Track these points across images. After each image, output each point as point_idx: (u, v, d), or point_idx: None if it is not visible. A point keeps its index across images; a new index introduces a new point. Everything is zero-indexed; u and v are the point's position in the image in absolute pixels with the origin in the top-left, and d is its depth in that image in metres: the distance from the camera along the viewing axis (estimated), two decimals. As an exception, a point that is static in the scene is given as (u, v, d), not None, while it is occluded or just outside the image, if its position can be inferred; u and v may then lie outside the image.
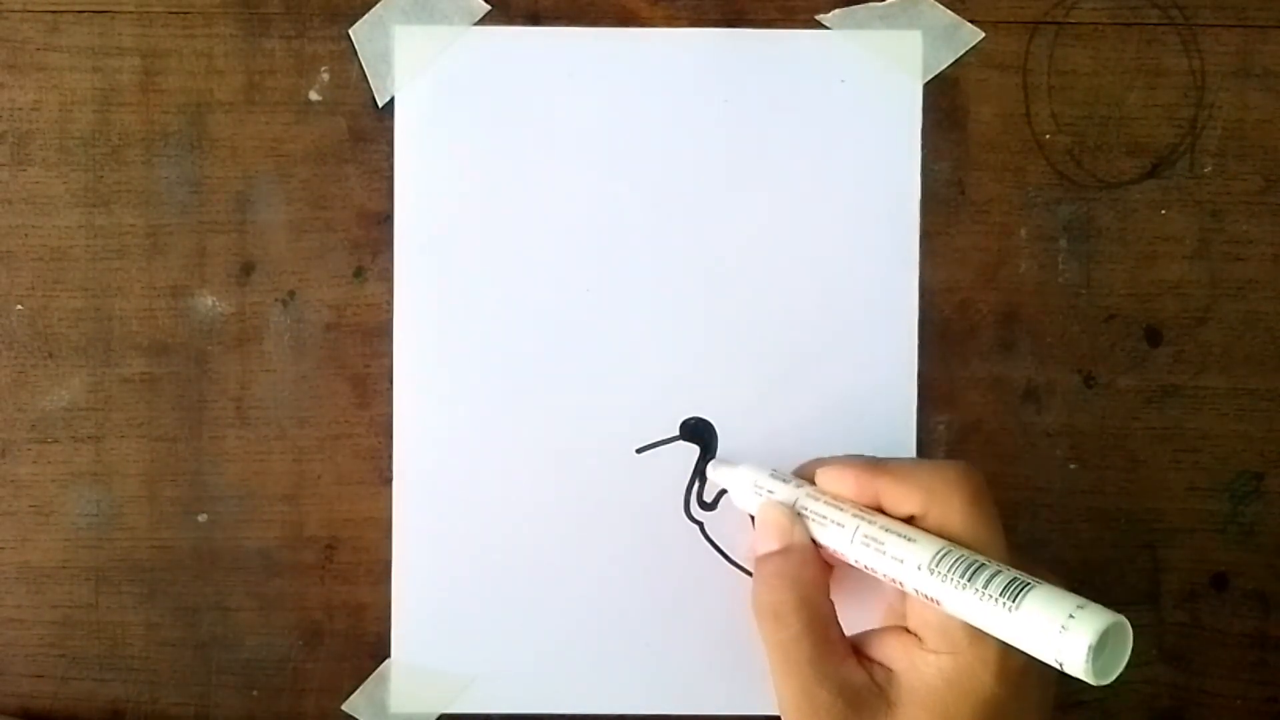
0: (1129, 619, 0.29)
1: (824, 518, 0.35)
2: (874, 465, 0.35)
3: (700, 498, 0.41)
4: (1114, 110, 0.42)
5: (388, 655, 0.41)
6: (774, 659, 0.34)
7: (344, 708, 0.41)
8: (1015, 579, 0.30)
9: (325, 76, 0.41)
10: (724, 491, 0.41)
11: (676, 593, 0.41)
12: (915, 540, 0.33)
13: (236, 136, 0.41)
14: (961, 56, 0.41)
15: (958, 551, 0.32)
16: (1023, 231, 0.42)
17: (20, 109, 0.41)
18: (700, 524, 0.41)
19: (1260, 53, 0.42)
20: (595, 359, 0.41)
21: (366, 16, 0.41)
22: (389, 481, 0.41)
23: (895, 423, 0.41)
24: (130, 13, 0.41)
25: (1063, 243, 0.42)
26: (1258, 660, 0.42)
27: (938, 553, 0.32)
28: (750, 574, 0.40)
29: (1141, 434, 0.42)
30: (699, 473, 0.41)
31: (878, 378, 0.41)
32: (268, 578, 0.41)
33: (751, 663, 0.40)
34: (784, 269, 0.41)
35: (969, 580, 0.31)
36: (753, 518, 0.37)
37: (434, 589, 0.41)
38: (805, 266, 0.41)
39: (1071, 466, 0.42)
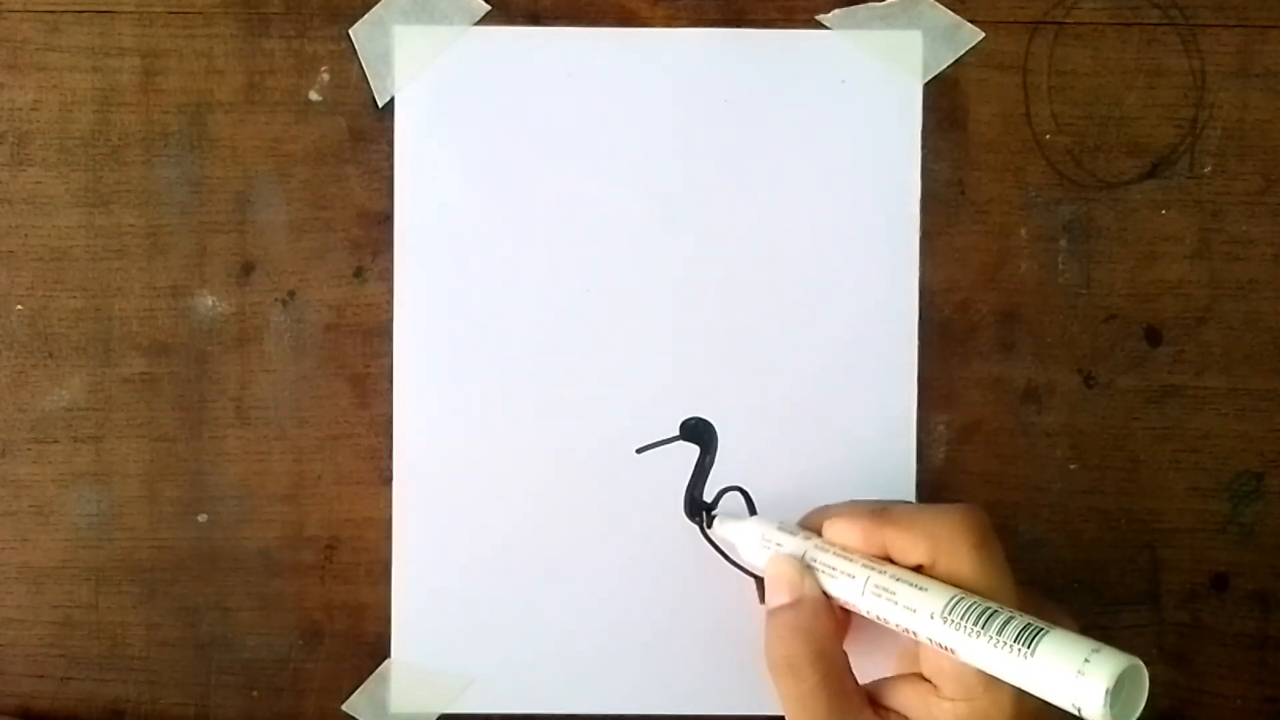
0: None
1: (834, 569, 0.35)
2: (880, 514, 0.35)
3: (700, 498, 0.41)
4: (1114, 110, 0.42)
5: (388, 655, 0.41)
6: (791, 712, 0.34)
7: (344, 708, 0.41)
8: (1029, 625, 0.30)
9: (325, 76, 0.41)
10: (724, 491, 0.41)
11: (676, 593, 0.41)
12: (927, 589, 0.33)
13: (236, 136, 0.41)
14: (961, 56, 0.41)
15: (970, 599, 0.32)
16: (1023, 231, 0.42)
17: (20, 109, 0.41)
18: (700, 523, 0.41)
19: (1260, 53, 0.42)
20: (595, 359, 0.41)
21: (366, 16, 0.41)
22: (389, 481, 0.41)
23: (895, 423, 0.41)
24: (130, 13, 0.41)
25: (1063, 243, 0.42)
26: (1258, 660, 0.42)
27: (950, 601, 0.32)
28: (750, 574, 0.40)
29: (1141, 434, 0.42)
30: (699, 473, 0.41)
31: (878, 378, 0.41)
32: (268, 578, 0.41)
33: (751, 663, 0.40)
34: (784, 269, 0.41)
35: (982, 628, 0.31)
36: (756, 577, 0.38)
37: (434, 589, 0.41)
38: (805, 267, 0.41)
39: (1071, 466, 0.42)
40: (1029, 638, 0.30)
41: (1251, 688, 0.42)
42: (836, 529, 0.36)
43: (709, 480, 0.41)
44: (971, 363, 0.41)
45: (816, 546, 0.36)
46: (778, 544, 0.37)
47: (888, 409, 0.41)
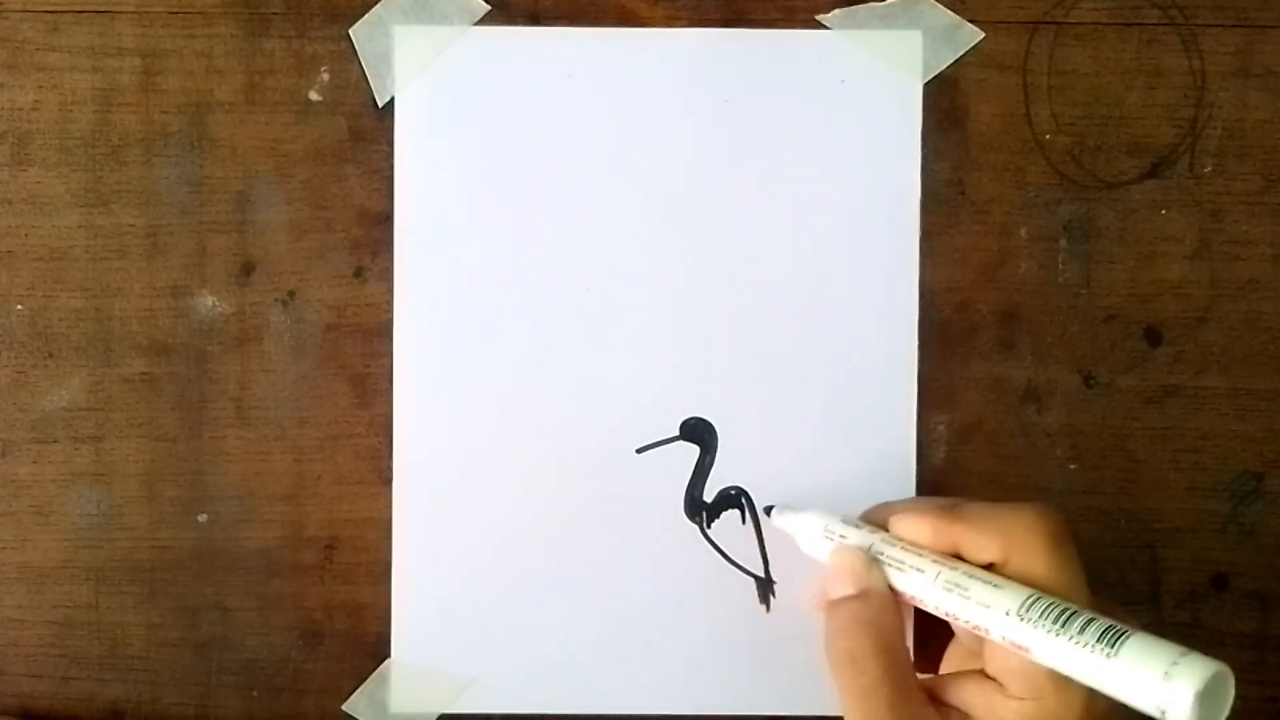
0: (1203, 655, 0.29)
1: (902, 563, 0.35)
2: (950, 511, 0.34)
3: (700, 498, 0.41)
4: (1114, 110, 0.42)
5: (388, 655, 0.41)
6: (851, 706, 0.34)
7: (344, 708, 0.41)
8: (1111, 626, 0.30)
9: (325, 76, 0.41)
10: (724, 491, 0.41)
11: (676, 593, 0.41)
12: (1001, 586, 0.32)
13: (236, 136, 0.41)
14: (961, 56, 0.41)
15: (1047, 598, 0.31)
16: (1023, 231, 0.41)
17: (20, 109, 0.41)
18: (700, 523, 0.41)
19: (1260, 53, 0.42)
20: (595, 359, 0.41)
21: (366, 16, 0.41)
22: (389, 481, 0.41)
23: (895, 423, 0.41)
24: (130, 13, 0.41)
25: (1063, 243, 0.42)
26: (1258, 660, 0.42)
27: (1027, 599, 0.31)
28: (749, 574, 0.40)
29: (1141, 434, 0.42)
30: (699, 473, 0.41)
31: (878, 378, 0.41)
32: (268, 578, 0.41)
33: (751, 663, 0.40)
34: (784, 269, 0.41)
35: (1062, 627, 0.30)
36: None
37: (434, 589, 0.41)
38: (805, 267, 0.41)
39: (1071, 466, 0.42)
40: (1112, 639, 0.30)
41: (1251, 688, 0.42)
42: (905, 524, 0.35)
43: (709, 480, 0.41)
44: (971, 363, 0.41)
45: (883, 540, 0.35)
46: (841, 536, 0.36)
47: (888, 409, 0.41)
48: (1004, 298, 0.41)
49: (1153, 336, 0.42)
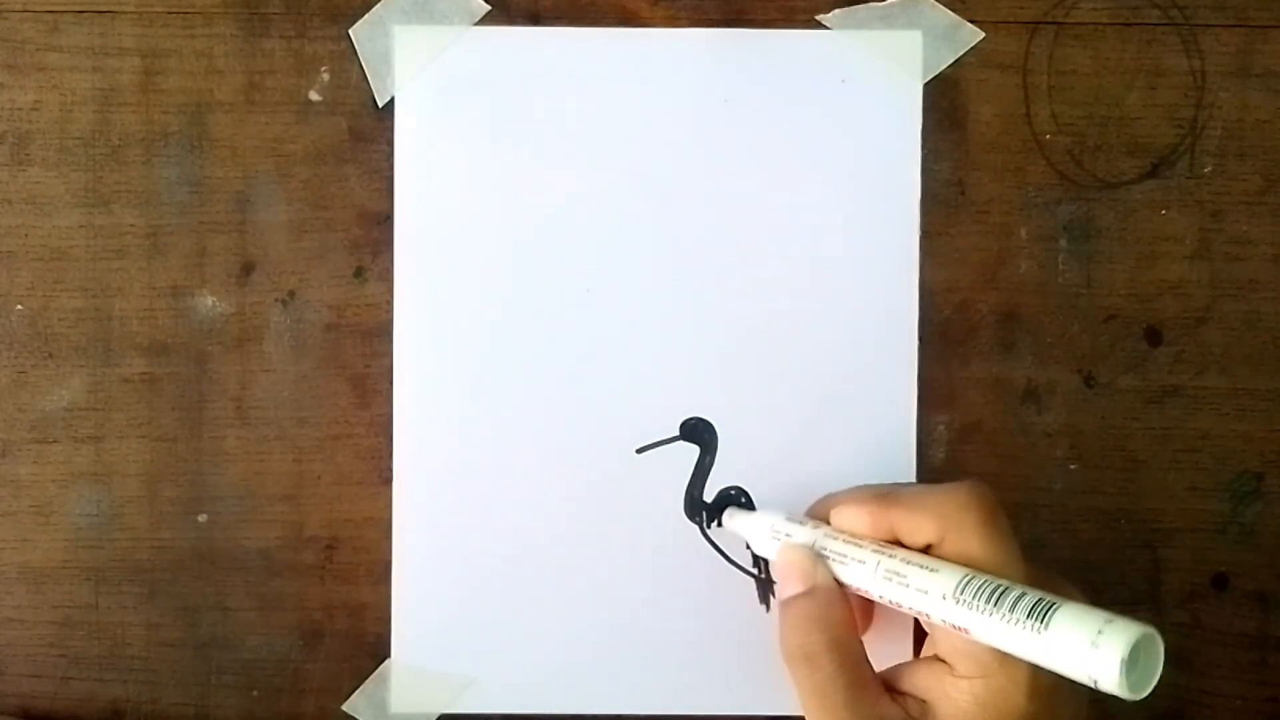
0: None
1: (844, 556, 0.35)
2: (886, 497, 0.35)
3: (700, 498, 0.41)
4: (1114, 110, 0.42)
5: (388, 655, 0.41)
6: (809, 702, 0.34)
7: (344, 708, 0.41)
8: (1041, 599, 0.30)
9: (325, 76, 0.41)
10: (724, 491, 0.41)
11: (676, 593, 0.41)
12: (937, 570, 0.32)
13: (236, 136, 0.41)
14: (961, 56, 0.41)
15: (980, 577, 0.32)
16: (1023, 231, 0.42)
17: (20, 109, 0.41)
18: (700, 523, 0.41)
19: (1260, 53, 0.42)
20: (595, 359, 0.41)
21: (366, 16, 0.41)
22: (389, 481, 0.41)
23: (895, 423, 0.41)
24: (130, 13, 0.41)
25: (1063, 243, 0.42)
26: (1258, 660, 0.42)
27: (960, 581, 0.32)
28: (750, 574, 0.40)
29: (1141, 434, 0.42)
30: (699, 473, 0.41)
31: (878, 378, 0.41)
32: (268, 578, 0.41)
33: (751, 663, 0.40)
34: (784, 269, 0.41)
35: (994, 605, 0.31)
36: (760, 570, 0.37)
37: (434, 589, 0.41)
38: (805, 266, 0.41)
39: (1071, 466, 0.42)
40: (1041, 613, 0.30)
41: (1251, 688, 0.42)
42: (844, 515, 0.36)
43: (709, 480, 0.41)
44: (971, 363, 0.41)
45: (826, 535, 0.36)
46: (787, 534, 0.37)
47: (888, 409, 0.41)
48: (1004, 298, 0.41)
49: (1153, 336, 0.42)
